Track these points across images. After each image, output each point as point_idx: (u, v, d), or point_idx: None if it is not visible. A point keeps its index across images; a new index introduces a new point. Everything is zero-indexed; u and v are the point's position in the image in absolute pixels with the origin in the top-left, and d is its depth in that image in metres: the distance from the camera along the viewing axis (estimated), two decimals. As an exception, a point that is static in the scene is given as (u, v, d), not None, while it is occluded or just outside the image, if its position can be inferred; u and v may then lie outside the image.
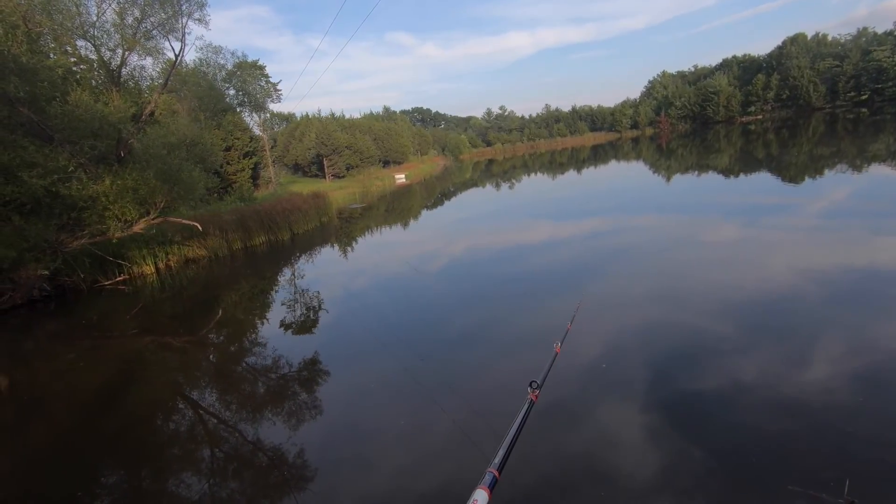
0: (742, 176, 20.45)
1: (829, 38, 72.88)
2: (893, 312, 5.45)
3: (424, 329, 7.30)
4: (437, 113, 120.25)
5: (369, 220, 23.38)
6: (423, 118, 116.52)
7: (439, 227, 18.61)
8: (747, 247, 8.98)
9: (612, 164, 38.45)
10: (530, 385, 1.47)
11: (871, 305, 5.69)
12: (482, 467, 1.11)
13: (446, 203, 27.52)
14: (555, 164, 47.36)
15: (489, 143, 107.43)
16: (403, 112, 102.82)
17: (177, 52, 16.80)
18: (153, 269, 14.73)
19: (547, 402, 4.04)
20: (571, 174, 34.79)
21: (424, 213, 24.15)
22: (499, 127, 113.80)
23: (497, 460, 1.13)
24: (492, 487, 1.04)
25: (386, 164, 62.39)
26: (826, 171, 17.79)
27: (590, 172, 34.32)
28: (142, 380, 6.96)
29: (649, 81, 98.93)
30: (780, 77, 71.42)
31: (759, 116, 72.67)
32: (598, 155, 50.82)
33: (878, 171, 16.26)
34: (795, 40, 73.46)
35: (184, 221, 14.41)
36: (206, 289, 12.60)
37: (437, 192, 34.83)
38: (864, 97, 63.92)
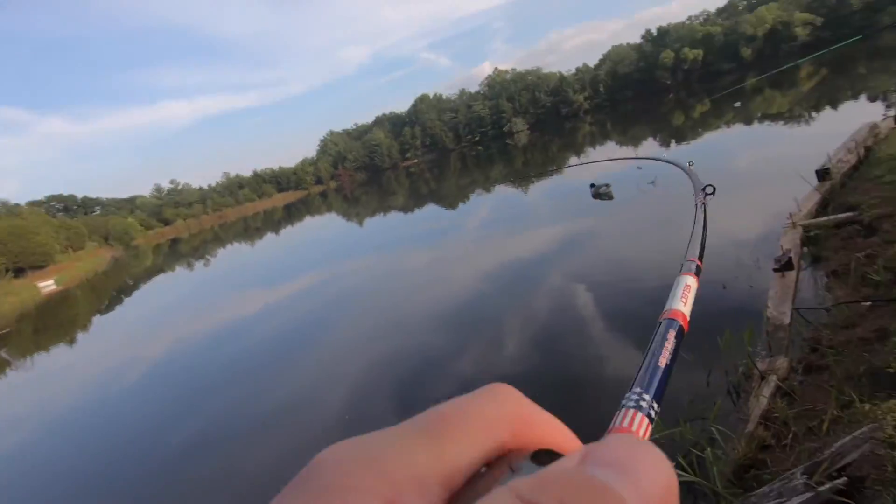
0: (417, 210, 24.25)
1: (444, 96, 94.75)
2: (540, 285, 7.43)
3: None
4: (86, 198, 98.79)
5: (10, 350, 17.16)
6: (67, 206, 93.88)
7: (127, 329, 15.23)
8: (439, 265, 10.69)
9: (308, 219, 39.66)
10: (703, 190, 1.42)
11: (530, 282, 7.61)
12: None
13: (129, 300, 22.78)
14: (250, 229, 45.56)
15: (168, 222, 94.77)
16: (33, 203, 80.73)
17: None
18: None
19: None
20: (270, 237, 34.13)
21: (98, 320, 19.37)
22: (175, 202, 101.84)
23: (696, 251, 1.09)
24: (697, 273, 0.96)
25: (19, 271, 47.33)
26: (470, 196, 22.93)
27: (289, 231, 34.43)
28: None
29: (321, 140, 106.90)
30: (421, 128, 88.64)
31: (416, 161, 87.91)
32: (293, 213, 51.58)
33: (501, 189, 21.98)
34: (423, 99, 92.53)
35: None
36: None
37: (111, 291, 28.48)
38: (476, 139, 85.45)
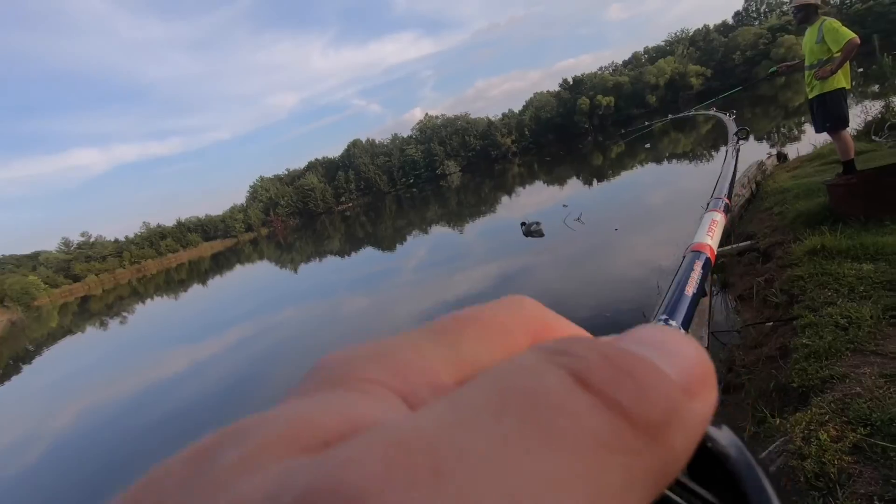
0: (353, 253, 23.93)
1: (377, 141, 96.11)
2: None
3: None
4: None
5: None
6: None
7: (26, 400, 13.47)
8: (379, 309, 10.50)
9: (239, 268, 37.84)
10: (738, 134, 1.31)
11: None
12: None
13: (29, 368, 20.28)
14: (173, 282, 42.64)
15: (77, 278, 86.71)
16: None
17: None
18: None
19: None
20: (196, 288, 32.11)
21: (-10, 392, 17.01)
22: (87, 257, 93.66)
23: (725, 190, 0.99)
24: (726, 211, 0.90)
25: None
26: (407, 237, 23.02)
27: (217, 282, 32.60)
28: None
29: (251, 186, 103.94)
30: (355, 172, 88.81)
31: (350, 204, 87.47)
32: (221, 263, 49.04)
33: (436, 230, 22.28)
34: (356, 144, 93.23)
35: None
36: None
37: (5, 359, 25.29)
38: (411, 181, 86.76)
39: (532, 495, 0.09)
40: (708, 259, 0.69)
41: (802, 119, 18.89)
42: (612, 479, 0.10)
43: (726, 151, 1.39)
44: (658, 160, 21.98)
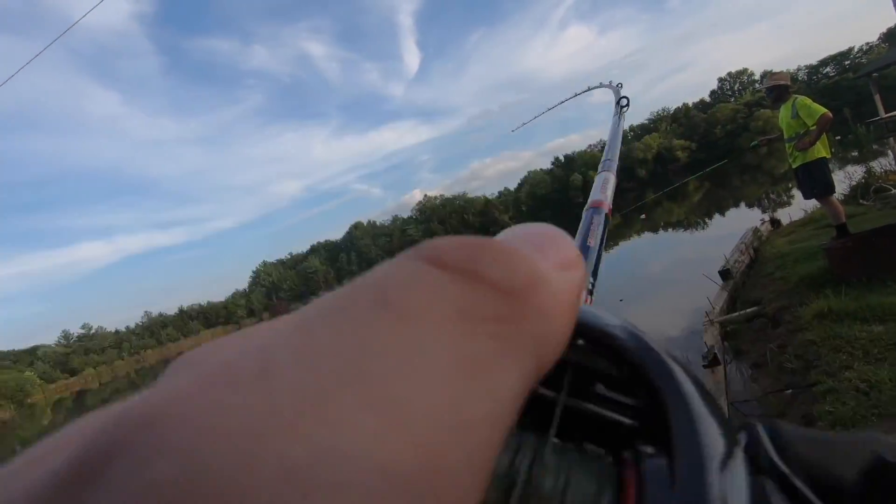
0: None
1: (378, 222, 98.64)
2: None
3: None
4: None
5: None
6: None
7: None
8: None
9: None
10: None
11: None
12: None
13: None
14: (173, 372, 41.59)
15: (75, 372, 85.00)
16: None
17: None
18: None
19: None
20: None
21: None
22: (86, 349, 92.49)
23: (616, 153, 1.12)
24: (617, 173, 0.99)
25: None
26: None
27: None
28: None
29: (254, 271, 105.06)
30: (357, 254, 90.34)
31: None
32: (222, 350, 48.25)
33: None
34: (357, 226, 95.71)
35: None
36: None
37: (-6, 462, 24.02)
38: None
39: (385, 368, 0.08)
40: (606, 214, 0.81)
41: (790, 185, 19.55)
42: (481, 346, 0.09)
43: (613, 120, 1.50)
44: (654, 230, 22.46)
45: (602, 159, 1.14)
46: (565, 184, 77.41)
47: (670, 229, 20.85)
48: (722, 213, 19.24)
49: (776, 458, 0.13)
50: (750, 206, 17.70)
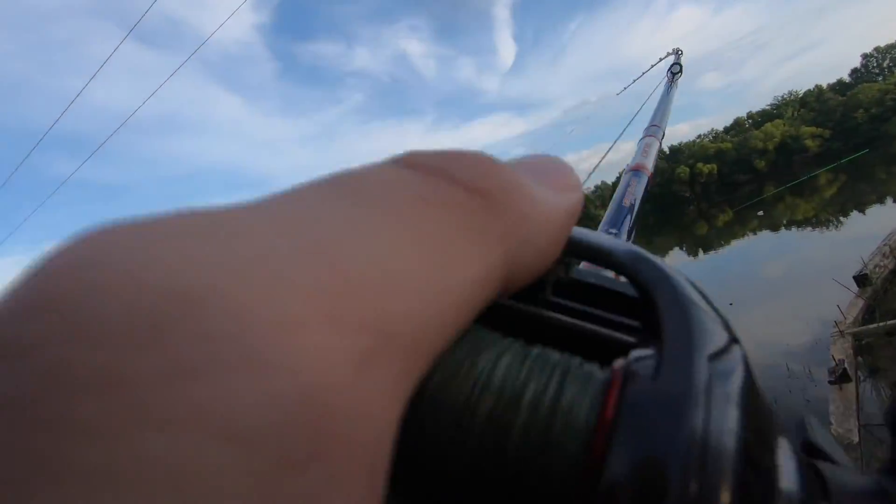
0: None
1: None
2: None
3: None
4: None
5: None
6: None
7: None
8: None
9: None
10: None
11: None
12: None
13: None
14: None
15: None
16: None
17: None
18: None
19: None
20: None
21: None
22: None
23: (665, 119, 1.09)
24: (661, 138, 0.98)
25: None
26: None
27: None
28: None
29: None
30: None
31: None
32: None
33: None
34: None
35: None
36: None
37: None
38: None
39: (341, 240, 0.08)
40: (647, 177, 0.77)
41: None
42: (437, 227, 0.09)
43: (664, 86, 1.36)
44: (774, 228, 20.20)
45: (647, 125, 1.10)
46: (670, 177, 72.13)
47: (794, 228, 18.58)
48: (861, 211, 16.72)
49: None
50: (898, 202, 15.23)
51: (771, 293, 8.46)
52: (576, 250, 0.13)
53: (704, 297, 0.12)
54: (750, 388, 0.10)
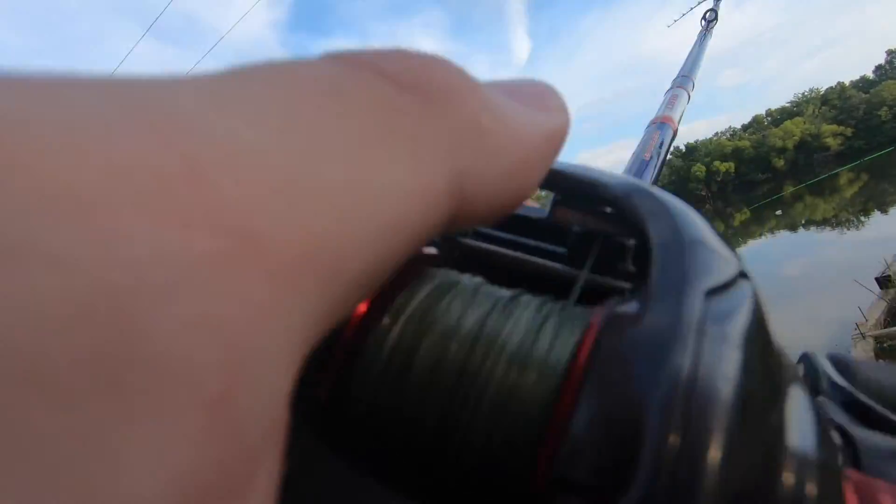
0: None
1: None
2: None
3: None
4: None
5: None
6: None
7: None
8: None
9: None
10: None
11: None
12: None
13: None
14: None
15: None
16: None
17: None
18: None
19: None
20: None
21: None
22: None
23: (696, 69, 1.03)
24: (690, 88, 0.93)
25: None
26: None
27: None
28: None
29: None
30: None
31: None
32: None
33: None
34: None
35: None
36: None
37: None
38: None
39: (197, 124, 0.06)
40: (671, 129, 0.71)
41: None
42: (360, 131, 0.07)
43: (699, 35, 1.27)
44: (792, 227, 19.84)
45: (677, 75, 0.98)
46: (686, 175, 71.22)
47: (813, 227, 18.23)
48: (884, 211, 16.32)
49: (837, 377, 0.12)
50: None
51: (790, 294, 8.31)
52: (561, 182, 0.11)
53: (712, 230, 0.10)
54: (756, 329, 0.08)
